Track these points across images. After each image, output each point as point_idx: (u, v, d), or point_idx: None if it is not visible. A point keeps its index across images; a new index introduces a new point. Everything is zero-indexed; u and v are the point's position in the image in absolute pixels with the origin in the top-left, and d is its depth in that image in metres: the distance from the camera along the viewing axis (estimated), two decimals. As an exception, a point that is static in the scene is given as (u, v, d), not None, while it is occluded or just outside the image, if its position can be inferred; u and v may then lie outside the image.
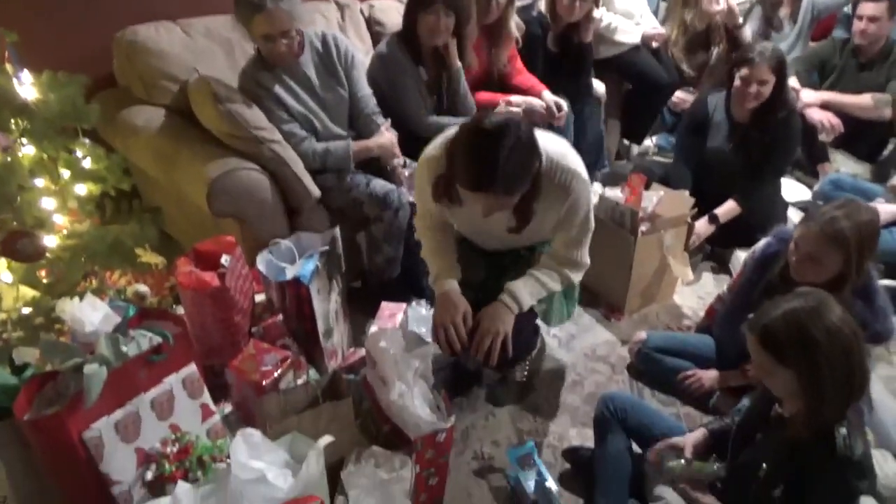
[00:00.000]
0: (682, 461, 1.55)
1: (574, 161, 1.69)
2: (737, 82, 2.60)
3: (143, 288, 2.07)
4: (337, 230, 2.11)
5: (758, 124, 2.64)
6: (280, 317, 1.99)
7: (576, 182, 1.67)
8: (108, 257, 1.96)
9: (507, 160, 1.43)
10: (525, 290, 1.77)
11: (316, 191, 2.23)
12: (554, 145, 1.67)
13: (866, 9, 3.12)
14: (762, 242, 2.07)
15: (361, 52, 2.65)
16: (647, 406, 1.88)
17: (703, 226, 2.70)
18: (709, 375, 2.08)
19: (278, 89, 2.21)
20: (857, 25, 3.17)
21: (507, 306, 1.75)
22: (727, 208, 2.70)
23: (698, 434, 1.62)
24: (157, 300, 2.12)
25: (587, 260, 1.86)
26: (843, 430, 1.27)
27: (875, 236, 1.74)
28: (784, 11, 3.94)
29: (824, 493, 1.28)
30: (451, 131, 1.61)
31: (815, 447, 1.29)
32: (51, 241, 1.88)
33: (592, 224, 1.81)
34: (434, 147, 1.70)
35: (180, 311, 2.00)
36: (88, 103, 1.97)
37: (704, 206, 2.65)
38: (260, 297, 2.15)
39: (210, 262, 1.95)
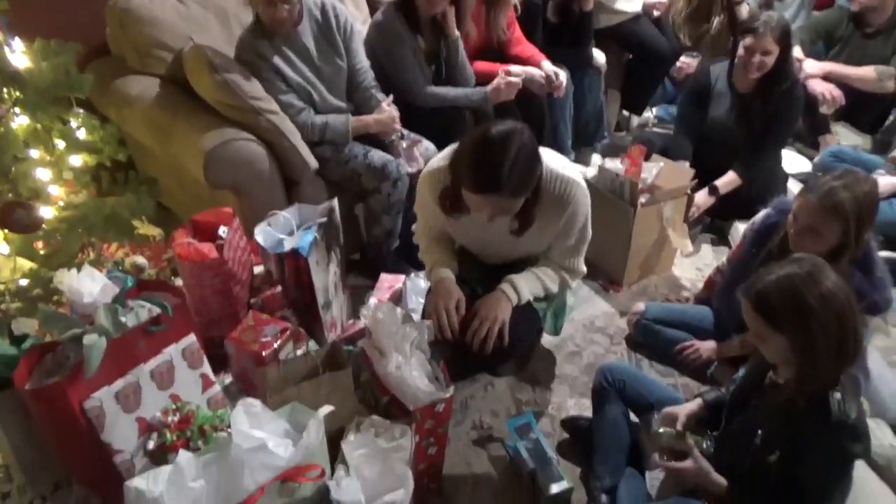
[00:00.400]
0: (672, 430, 1.56)
1: (572, 171, 1.75)
2: (740, 52, 2.57)
3: (140, 260, 2.06)
4: (335, 202, 2.10)
5: (760, 95, 2.62)
6: (279, 288, 1.99)
7: (575, 190, 1.72)
8: (106, 229, 1.94)
9: (513, 164, 1.49)
10: (525, 284, 1.81)
11: (314, 162, 2.22)
12: (554, 157, 1.74)
13: None
14: (762, 214, 2.06)
15: (359, 22, 2.61)
16: (645, 377, 1.88)
17: (702, 197, 2.69)
18: (707, 346, 2.09)
19: (276, 59, 2.18)
20: None
21: (506, 295, 1.77)
22: (727, 180, 2.69)
23: (693, 405, 1.63)
24: (156, 272, 2.11)
25: (583, 268, 1.94)
26: (838, 395, 1.28)
27: (874, 207, 1.73)
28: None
29: (819, 456, 1.30)
30: (450, 149, 1.70)
31: (810, 412, 1.30)
32: (47, 212, 1.86)
33: (590, 233, 1.87)
34: (438, 160, 1.77)
35: (179, 283, 2.00)
36: (81, 73, 1.94)
37: (704, 177, 2.64)
38: (258, 269, 2.14)
39: (208, 234, 1.94)
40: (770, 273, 1.32)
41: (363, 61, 2.36)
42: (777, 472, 1.36)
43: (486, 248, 1.94)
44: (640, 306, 2.24)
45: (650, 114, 3.77)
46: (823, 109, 3.07)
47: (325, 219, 2.05)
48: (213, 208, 2.05)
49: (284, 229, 2.03)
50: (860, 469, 1.55)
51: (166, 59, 2.32)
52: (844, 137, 3.28)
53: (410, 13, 2.43)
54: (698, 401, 1.64)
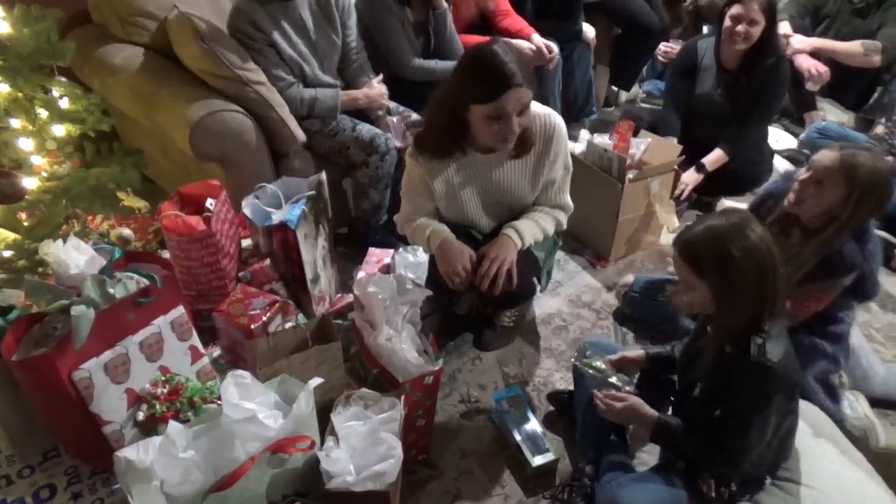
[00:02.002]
0: (601, 364, 1.68)
1: (545, 107, 1.86)
2: (727, 22, 2.58)
3: (126, 231, 2.04)
4: (323, 175, 2.08)
5: (746, 70, 2.63)
6: (267, 262, 1.98)
7: (556, 120, 1.84)
8: (91, 200, 1.93)
9: (512, 58, 1.59)
10: (525, 228, 1.86)
11: (301, 135, 2.20)
12: None
13: None
14: (770, 180, 2.07)
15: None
16: (625, 350, 1.91)
17: (690, 175, 2.71)
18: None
19: (271, 30, 2.14)
20: None
21: (511, 239, 1.82)
22: (714, 157, 2.71)
23: (637, 352, 1.71)
24: (142, 245, 2.09)
25: (571, 203, 2.00)
26: (759, 340, 1.33)
27: (884, 192, 1.72)
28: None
29: (740, 394, 1.35)
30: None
31: (735, 356, 1.36)
32: (30, 182, 1.84)
33: (571, 164, 1.95)
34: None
35: (165, 255, 1.99)
36: (62, 40, 1.90)
37: (691, 152, 2.65)
38: (246, 242, 2.13)
39: (195, 206, 1.92)
40: (699, 224, 1.38)
41: (358, 39, 2.34)
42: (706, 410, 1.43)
43: (481, 210, 1.92)
44: (629, 278, 2.26)
45: (639, 89, 3.77)
46: (809, 86, 3.09)
47: (313, 192, 2.03)
48: (200, 180, 2.03)
49: (272, 202, 2.02)
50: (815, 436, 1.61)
51: (150, 27, 2.27)
52: (829, 113, 3.30)
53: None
54: (641, 351, 1.71)
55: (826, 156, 1.74)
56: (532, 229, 1.88)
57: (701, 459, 1.46)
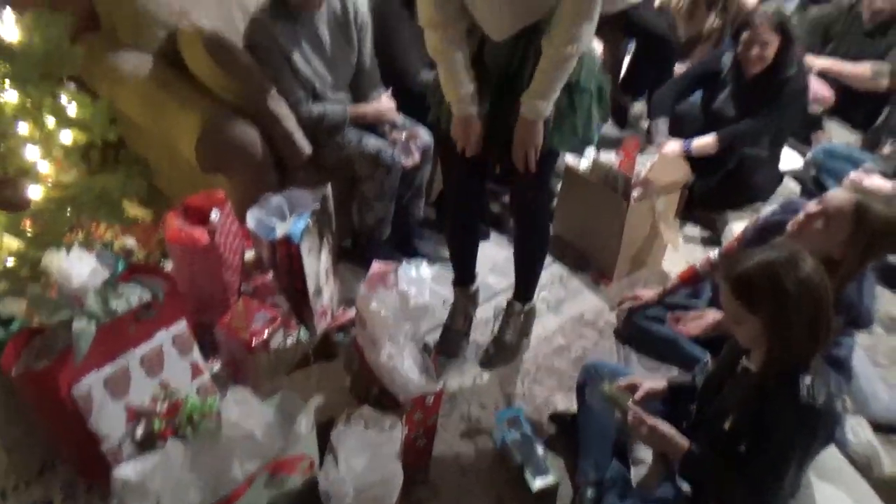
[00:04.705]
0: (619, 389, 1.60)
1: None
2: (740, 47, 2.60)
3: (130, 242, 2.03)
4: (328, 188, 2.08)
5: (763, 85, 2.65)
6: (270, 274, 1.98)
7: None
8: (95, 209, 1.92)
9: None
10: (540, 94, 1.70)
11: (307, 148, 2.19)
12: None
13: None
14: (768, 209, 2.07)
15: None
16: (631, 373, 1.90)
17: (672, 145, 2.73)
18: (711, 312, 2.04)
19: (290, 47, 2.12)
20: None
21: (529, 119, 1.73)
22: (704, 140, 2.72)
23: (658, 382, 1.65)
24: (145, 255, 2.09)
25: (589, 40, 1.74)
26: (808, 379, 1.31)
27: (892, 245, 1.73)
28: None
29: (784, 435, 1.32)
30: None
31: (779, 393, 1.33)
32: (36, 190, 1.83)
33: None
34: None
35: (169, 266, 1.98)
36: (73, 44, 1.90)
37: (698, 165, 2.67)
38: (250, 254, 2.13)
39: (199, 217, 1.92)
40: (750, 257, 1.35)
41: (371, 58, 2.33)
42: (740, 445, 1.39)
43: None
44: (636, 294, 2.24)
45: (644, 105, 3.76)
46: (814, 108, 3.09)
47: (318, 205, 2.03)
48: (205, 191, 2.02)
49: (277, 214, 2.01)
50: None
51: (160, 34, 2.26)
52: (836, 134, 3.30)
53: (410, -4, 2.39)
54: (663, 381, 1.66)
55: (841, 195, 1.73)
56: (546, 87, 1.70)
57: (727, 495, 1.41)
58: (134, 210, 2.08)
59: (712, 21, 3.37)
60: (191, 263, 1.86)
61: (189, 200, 1.95)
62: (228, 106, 2.08)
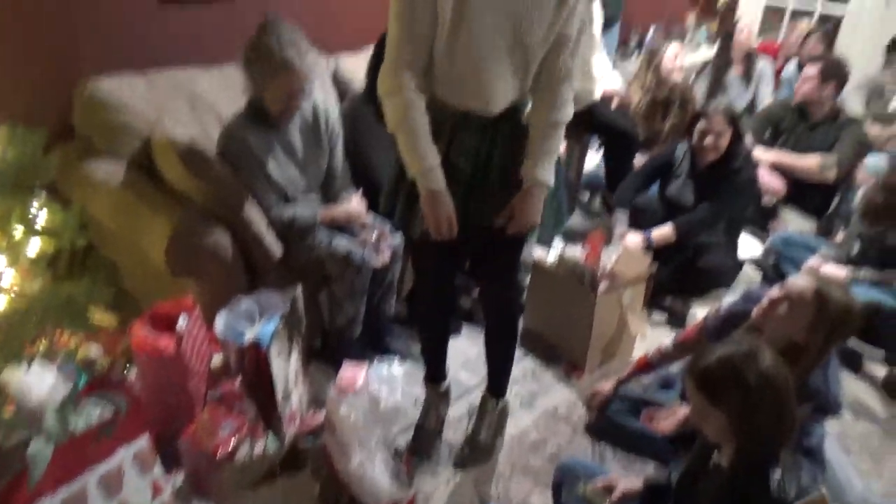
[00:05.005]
0: (598, 490, 1.60)
1: None
2: (695, 138, 2.77)
3: (94, 350, 2.00)
4: (299, 290, 2.09)
5: (716, 174, 2.80)
6: (238, 380, 1.95)
7: None
8: (60, 317, 1.90)
9: None
10: (543, 168, 1.70)
11: (277, 250, 2.21)
12: None
13: (806, 70, 3.37)
14: (730, 299, 2.13)
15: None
16: (605, 472, 1.88)
17: (633, 238, 2.82)
18: (682, 410, 2.05)
19: (263, 154, 2.17)
20: (798, 85, 3.41)
21: (533, 193, 1.71)
22: (663, 231, 2.82)
23: (633, 481, 1.64)
24: (110, 362, 2.05)
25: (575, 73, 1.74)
26: (778, 474, 1.31)
27: (854, 327, 1.79)
28: (735, 71, 4.15)
29: None
30: None
31: (751, 490, 1.33)
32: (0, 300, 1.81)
33: (586, 22, 1.79)
34: None
35: (134, 373, 1.94)
36: (46, 154, 1.92)
37: (657, 253, 2.77)
38: (218, 358, 2.10)
39: (167, 324, 1.90)
40: (711, 352, 1.38)
41: (341, 162, 2.40)
42: None
43: (492, 48, 1.59)
44: (601, 388, 2.24)
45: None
46: (766, 200, 3.24)
47: (287, 307, 2.03)
48: (174, 293, 2.02)
49: (246, 318, 2.01)
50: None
51: (134, 143, 2.32)
52: (792, 221, 3.43)
53: (378, 103, 2.49)
54: (639, 480, 1.65)
55: (801, 282, 1.81)
56: (543, 155, 1.70)
57: None
58: (100, 316, 2.06)
59: (669, 122, 3.56)
60: (156, 373, 1.84)
61: (156, 308, 1.94)
62: (200, 211, 2.11)
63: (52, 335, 1.92)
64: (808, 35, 4.26)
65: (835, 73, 3.27)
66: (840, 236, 2.99)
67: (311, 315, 2.28)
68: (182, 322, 1.87)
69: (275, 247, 2.21)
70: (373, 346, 2.47)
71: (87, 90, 2.28)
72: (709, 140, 2.73)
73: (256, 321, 2.01)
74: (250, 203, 2.15)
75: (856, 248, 2.76)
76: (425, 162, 1.63)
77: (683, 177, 2.93)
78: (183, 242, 2.02)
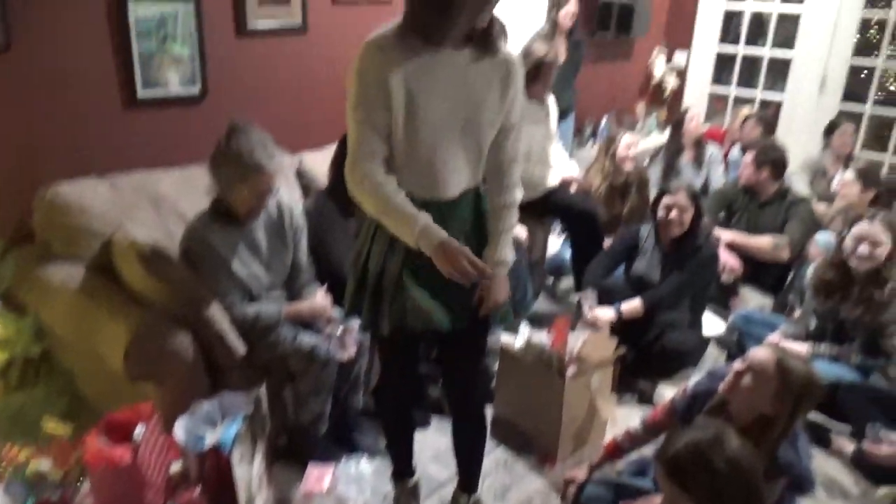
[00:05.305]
0: None
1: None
2: (661, 213, 2.90)
3: (45, 464, 1.91)
4: (262, 389, 2.05)
5: (680, 251, 2.91)
6: (197, 490, 1.87)
7: (514, 56, 1.71)
8: (10, 430, 1.83)
9: None
10: (503, 249, 1.79)
11: (241, 349, 2.18)
12: None
13: (745, 157, 3.62)
14: (695, 378, 2.15)
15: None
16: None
17: (604, 312, 2.84)
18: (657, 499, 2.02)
19: (226, 252, 2.18)
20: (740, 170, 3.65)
21: (499, 274, 1.77)
22: (632, 305, 2.86)
23: None
24: (62, 474, 1.95)
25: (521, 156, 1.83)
26: None
27: (817, 396, 1.83)
28: (687, 156, 4.35)
29: None
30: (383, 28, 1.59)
31: None
32: (-54, 415, 1.74)
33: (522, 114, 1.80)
34: (373, 35, 1.59)
35: (87, 486, 1.86)
36: (3, 260, 1.91)
37: (625, 330, 2.81)
38: (177, 465, 2.02)
39: (123, 433, 1.83)
40: (680, 438, 1.40)
41: (306, 256, 2.42)
42: None
43: (445, 136, 1.65)
44: (575, 475, 2.20)
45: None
46: (725, 277, 3.33)
47: (251, 408, 1.99)
48: (132, 399, 1.96)
49: (207, 421, 1.96)
50: None
51: (94, 245, 2.31)
52: (752, 299, 3.52)
53: (341, 198, 2.53)
54: None
55: (762, 352, 1.86)
56: (505, 243, 1.80)
57: None
58: (53, 426, 1.98)
59: (627, 205, 3.69)
60: (111, 485, 1.76)
61: (112, 416, 1.88)
62: (161, 312, 2.09)
63: (1, 449, 1.84)
64: (745, 120, 4.52)
65: (766, 160, 3.47)
66: (797, 312, 3.08)
67: (275, 413, 2.23)
68: (139, 430, 1.81)
69: (238, 345, 2.18)
70: (340, 442, 2.40)
71: (48, 195, 2.29)
72: (674, 214, 2.85)
73: (218, 424, 1.95)
74: (212, 302, 2.14)
75: (813, 323, 2.83)
76: (418, 223, 1.58)
77: (650, 254, 3.02)
78: (142, 346, 1.99)
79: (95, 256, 2.30)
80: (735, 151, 4.50)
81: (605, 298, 2.97)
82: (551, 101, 3.50)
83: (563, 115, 3.95)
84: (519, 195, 1.83)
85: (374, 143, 1.62)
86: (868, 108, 5.15)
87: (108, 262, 2.25)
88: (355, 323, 2.40)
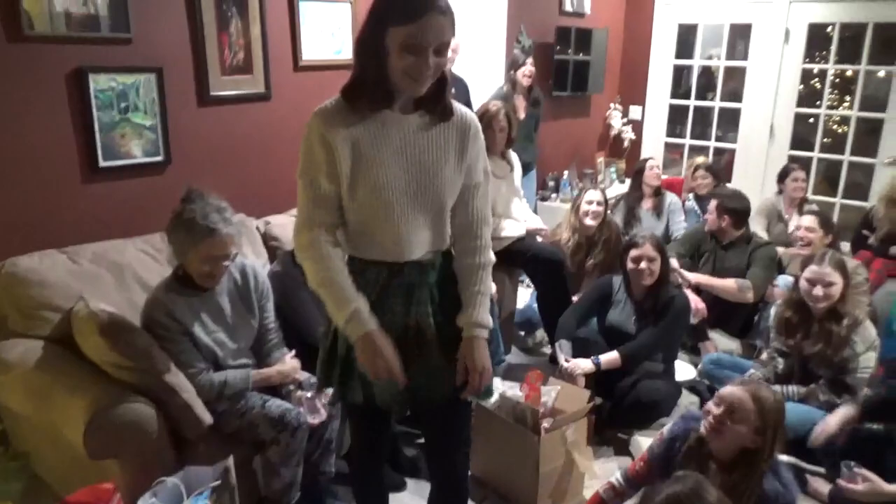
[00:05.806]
0: None
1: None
2: (629, 265, 2.94)
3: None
4: (230, 461, 1.98)
5: (653, 301, 2.96)
6: (161, 573, 1.78)
7: (473, 117, 1.69)
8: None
9: None
10: (481, 312, 1.68)
11: (208, 418, 2.13)
12: None
13: (710, 204, 3.73)
14: (668, 424, 2.16)
15: (259, 266, 2.68)
16: None
17: (584, 361, 2.85)
18: None
19: (189, 321, 2.16)
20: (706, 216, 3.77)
21: (479, 337, 1.66)
22: (610, 357, 2.88)
23: None
24: (17, 565, 1.85)
25: (491, 214, 1.80)
26: None
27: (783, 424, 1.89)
28: (647, 205, 4.47)
29: None
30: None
31: None
32: None
33: (490, 170, 1.78)
34: (323, 104, 1.59)
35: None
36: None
37: (602, 381, 2.85)
38: (140, 547, 1.93)
39: (82, 515, 1.75)
40: (657, 493, 1.41)
41: (273, 320, 2.40)
42: None
43: (403, 193, 1.59)
44: None
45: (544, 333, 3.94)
46: (691, 320, 3.39)
47: (218, 481, 1.92)
48: (93, 479, 1.87)
49: (172, 498, 1.88)
50: None
51: (53, 319, 2.25)
52: (720, 342, 3.57)
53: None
54: None
55: (735, 389, 1.91)
56: (481, 303, 1.69)
57: None
58: (7, 512, 1.89)
59: (593, 259, 3.75)
60: (68, 573, 1.66)
61: (69, 500, 1.79)
62: (123, 385, 2.03)
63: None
64: (696, 169, 4.67)
65: (727, 208, 3.61)
66: (765, 355, 3.12)
67: (244, 484, 2.15)
68: (99, 511, 1.73)
69: (205, 414, 2.13)
70: (314, 509, 2.33)
71: (5, 268, 2.24)
72: (643, 265, 2.90)
73: (184, 501, 1.88)
74: (176, 372, 2.09)
75: (780, 364, 2.87)
76: (350, 306, 1.54)
77: (623, 304, 3.06)
78: (103, 421, 1.92)
79: (55, 330, 2.24)
80: (690, 199, 4.63)
81: (580, 349, 2.98)
82: (514, 157, 3.58)
83: (525, 170, 4.04)
84: (492, 257, 1.78)
85: (320, 210, 1.58)
86: (816, 154, 5.38)
87: (67, 336, 2.19)
88: (328, 389, 2.36)
